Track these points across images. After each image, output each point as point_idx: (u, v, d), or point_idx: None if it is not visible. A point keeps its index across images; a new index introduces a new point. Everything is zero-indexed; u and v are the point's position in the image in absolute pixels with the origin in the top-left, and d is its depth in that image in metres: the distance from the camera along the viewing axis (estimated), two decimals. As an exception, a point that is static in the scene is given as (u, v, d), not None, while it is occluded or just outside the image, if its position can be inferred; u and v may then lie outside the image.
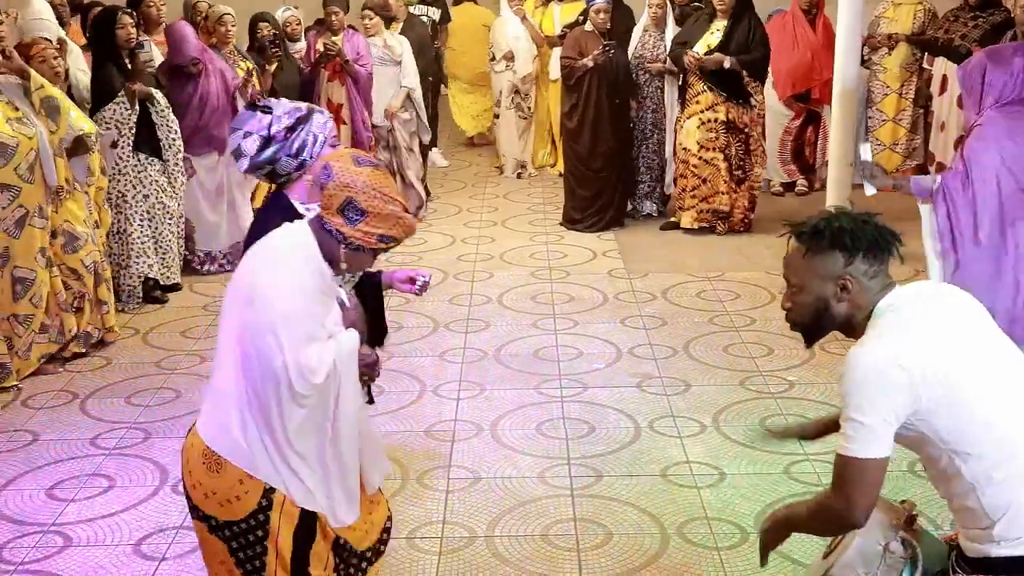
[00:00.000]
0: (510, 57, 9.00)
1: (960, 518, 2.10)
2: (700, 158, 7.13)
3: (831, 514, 2.11)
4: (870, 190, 4.31)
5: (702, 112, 7.09)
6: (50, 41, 5.50)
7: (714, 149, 7.09)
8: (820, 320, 2.19)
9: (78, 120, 5.16)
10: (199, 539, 2.60)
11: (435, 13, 9.24)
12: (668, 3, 7.65)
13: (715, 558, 3.51)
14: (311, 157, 2.84)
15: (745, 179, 7.23)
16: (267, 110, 2.88)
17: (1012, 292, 4.15)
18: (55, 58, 5.23)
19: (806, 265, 2.17)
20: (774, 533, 2.32)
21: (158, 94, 5.99)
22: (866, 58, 7.96)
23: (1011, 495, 2.00)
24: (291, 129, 2.87)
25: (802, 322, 2.23)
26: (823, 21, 7.93)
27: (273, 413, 2.37)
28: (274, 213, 2.81)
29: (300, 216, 2.76)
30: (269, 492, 2.42)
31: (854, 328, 2.17)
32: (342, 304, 2.56)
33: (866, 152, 4.40)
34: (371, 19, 7.62)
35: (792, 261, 2.21)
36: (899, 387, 1.98)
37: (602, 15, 7.24)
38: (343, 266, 2.50)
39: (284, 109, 2.92)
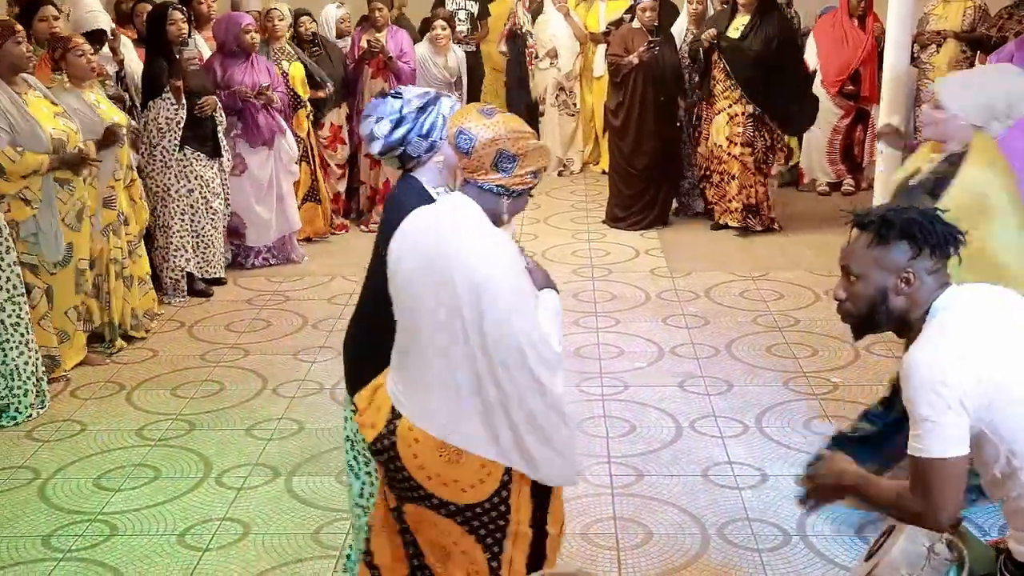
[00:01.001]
0: (553, 54, 8.98)
1: (1014, 521, 2.06)
2: (729, 154, 7.08)
3: (912, 514, 2.07)
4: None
5: (729, 107, 7.05)
6: (101, 34, 5.60)
7: (742, 144, 7.03)
8: (875, 313, 2.16)
9: (109, 112, 5.24)
10: (418, 521, 2.58)
11: (473, 7, 9.25)
12: (708, 1, 7.61)
13: (756, 559, 3.48)
14: (441, 138, 2.87)
15: (767, 173, 7.19)
16: (397, 96, 2.91)
17: None
18: (92, 53, 5.32)
19: (871, 255, 2.14)
20: (834, 492, 2.26)
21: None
22: (915, 56, 7.85)
23: None
24: (421, 110, 2.88)
25: (856, 314, 2.20)
26: (872, 19, 7.85)
27: (512, 394, 2.36)
28: (409, 197, 2.83)
29: (432, 199, 2.80)
30: (508, 468, 2.45)
31: (908, 325, 2.14)
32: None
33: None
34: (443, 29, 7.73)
35: (856, 250, 2.18)
36: (964, 380, 1.95)
37: (648, 13, 7.20)
38: (506, 218, 2.53)
39: (414, 93, 2.95)
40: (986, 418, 1.97)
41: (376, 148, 2.89)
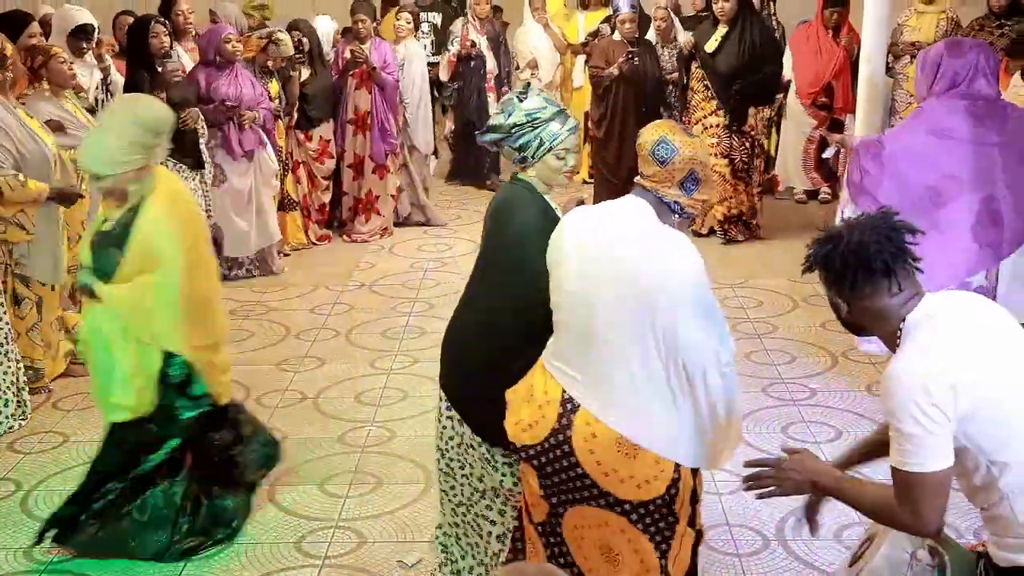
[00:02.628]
0: (534, 65, 8.99)
1: (992, 527, 2.07)
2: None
3: (898, 523, 2.08)
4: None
5: (705, 117, 7.08)
6: (88, 32, 5.73)
7: (719, 155, 7.06)
8: (842, 322, 2.22)
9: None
10: (582, 526, 2.60)
11: (437, 19, 9.28)
12: (672, 16, 7.65)
13: (736, 564, 3.48)
14: (552, 147, 2.89)
15: (750, 181, 7.22)
16: (523, 96, 2.93)
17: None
18: (72, 64, 5.30)
19: (823, 284, 2.20)
20: (797, 488, 2.28)
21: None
22: (889, 66, 7.90)
23: None
24: (557, 114, 2.90)
25: (838, 318, 2.24)
26: (847, 30, 7.90)
27: (701, 392, 2.41)
28: (520, 202, 2.92)
29: (546, 203, 2.90)
30: (677, 466, 2.48)
31: (883, 339, 2.15)
32: None
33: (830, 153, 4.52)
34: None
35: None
36: (944, 394, 1.95)
37: (628, 24, 7.22)
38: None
39: (547, 99, 2.96)
40: (966, 430, 1.97)
41: (491, 137, 2.92)
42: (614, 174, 7.46)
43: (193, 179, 6.10)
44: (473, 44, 8.49)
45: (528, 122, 2.86)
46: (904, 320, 2.09)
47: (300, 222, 7.33)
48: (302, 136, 7.24)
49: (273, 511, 3.89)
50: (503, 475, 3.01)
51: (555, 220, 2.81)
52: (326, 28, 7.66)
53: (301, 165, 7.28)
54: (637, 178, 2.64)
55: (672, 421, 2.44)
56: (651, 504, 2.50)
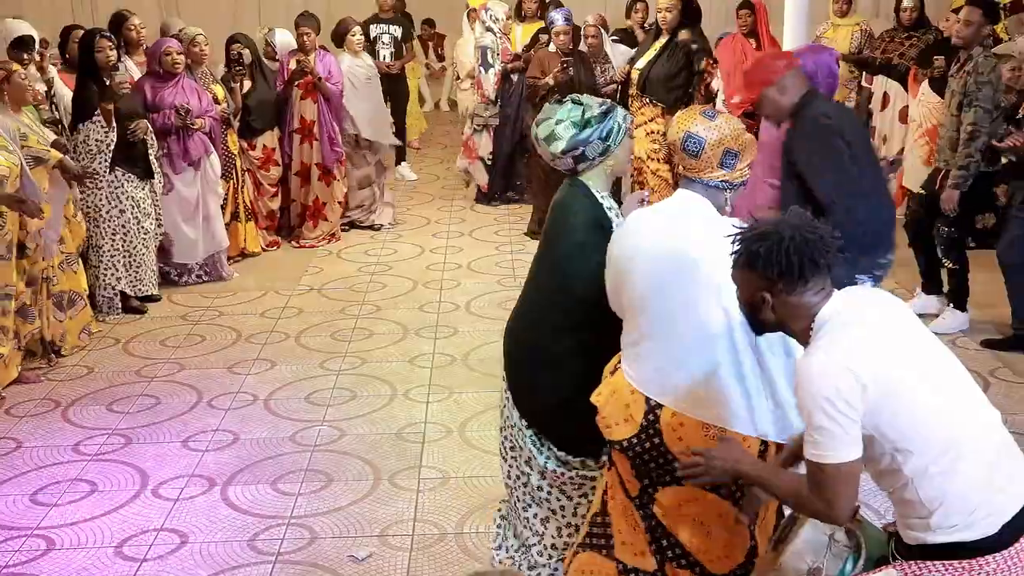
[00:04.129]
0: (475, 74, 9.00)
1: (900, 509, 2.13)
2: (648, 169, 7.19)
3: (813, 511, 2.12)
4: None
5: (646, 123, 7.16)
6: (28, 43, 5.59)
7: (660, 160, 7.14)
8: (756, 319, 2.22)
9: (37, 145, 5.11)
10: (678, 504, 2.61)
11: (397, 31, 9.24)
12: (602, 31, 7.71)
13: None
14: (615, 144, 2.89)
15: None
16: (578, 101, 2.91)
17: None
18: (27, 78, 5.21)
19: (735, 273, 2.20)
20: (723, 474, 2.32)
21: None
22: (809, 75, 8.06)
23: (946, 488, 2.04)
24: (604, 115, 2.88)
25: (745, 313, 2.26)
26: (768, 39, 8.01)
27: (771, 365, 2.45)
28: (579, 201, 2.91)
29: (599, 203, 2.89)
30: (765, 442, 2.50)
31: (795, 335, 2.19)
32: None
33: None
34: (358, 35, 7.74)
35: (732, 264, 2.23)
36: (851, 388, 1.99)
37: (563, 36, 7.27)
38: (728, 209, 2.62)
39: (594, 101, 2.94)
40: (874, 421, 2.02)
41: (560, 147, 2.88)
42: (549, 177, 7.49)
43: (143, 188, 6.01)
44: (517, 56, 8.14)
45: (606, 111, 2.88)
46: (815, 317, 2.13)
47: (255, 232, 7.25)
48: (246, 145, 7.18)
49: (226, 510, 3.85)
50: (547, 458, 3.05)
51: (607, 219, 2.85)
52: (285, 41, 7.59)
53: (247, 173, 7.20)
54: (680, 170, 2.67)
55: (749, 403, 2.47)
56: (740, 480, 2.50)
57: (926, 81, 6.28)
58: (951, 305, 5.48)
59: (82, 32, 6.15)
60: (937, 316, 5.49)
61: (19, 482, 4.08)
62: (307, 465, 4.17)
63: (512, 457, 3.19)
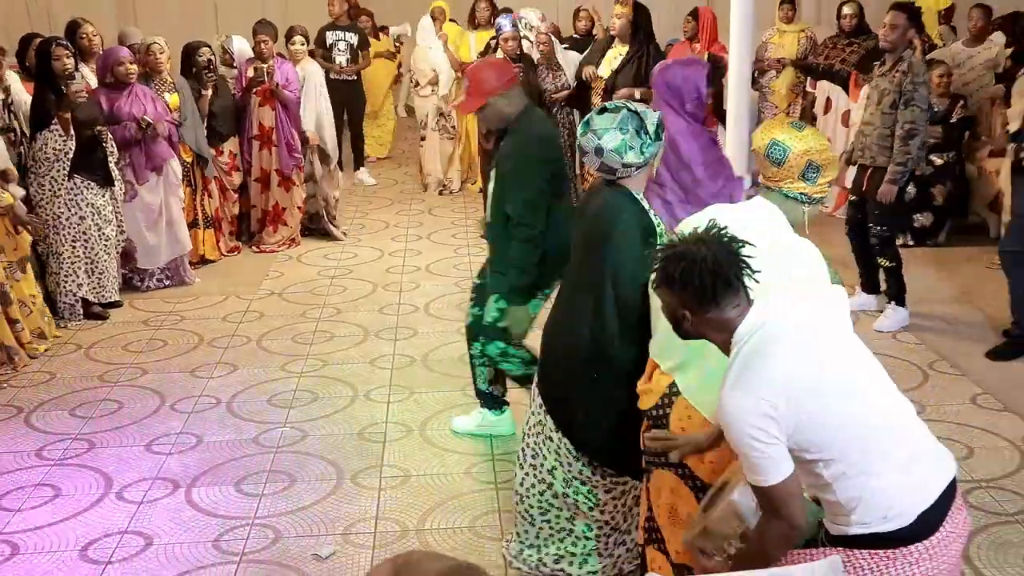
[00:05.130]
0: (435, 82, 9.04)
1: (823, 506, 2.19)
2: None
3: (781, 537, 2.14)
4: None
5: None
6: None
7: None
8: (680, 331, 2.24)
9: None
10: (659, 487, 2.66)
11: (353, 38, 9.22)
12: (553, 40, 7.74)
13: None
14: (655, 152, 2.88)
15: None
16: (617, 109, 2.87)
17: None
18: None
19: (656, 291, 2.23)
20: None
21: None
22: (755, 79, 8.18)
23: (862, 487, 2.09)
24: (644, 124, 2.85)
25: (676, 327, 2.27)
26: (708, 45, 8.11)
27: None
28: (622, 202, 2.87)
29: (641, 205, 2.88)
30: None
31: (718, 346, 2.21)
32: None
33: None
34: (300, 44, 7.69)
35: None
36: (769, 420, 2.04)
37: (511, 42, 7.30)
38: (804, 224, 2.61)
39: (635, 108, 2.89)
40: (795, 438, 2.07)
41: (631, 158, 2.82)
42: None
43: (103, 195, 5.95)
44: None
45: (645, 119, 2.85)
46: (733, 331, 2.14)
47: (214, 239, 7.21)
48: (213, 151, 7.13)
49: (190, 512, 3.84)
50: (583, 464, 3.05)
51: (651, 223, 2.86)
52: (242, 49, 7.55)
53: (213, 180, 7.16)
54: (760, 178, 2.67)
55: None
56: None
57: (866, 86, 6.42)
58: (892, 303, 5.60)
59: (39, 40, 6.08)
60: (878, 314, 5.61)
61: (-18, 488, 4.04)
62: (270, 466, 4.18)
63: (531, 466, 3.18)
